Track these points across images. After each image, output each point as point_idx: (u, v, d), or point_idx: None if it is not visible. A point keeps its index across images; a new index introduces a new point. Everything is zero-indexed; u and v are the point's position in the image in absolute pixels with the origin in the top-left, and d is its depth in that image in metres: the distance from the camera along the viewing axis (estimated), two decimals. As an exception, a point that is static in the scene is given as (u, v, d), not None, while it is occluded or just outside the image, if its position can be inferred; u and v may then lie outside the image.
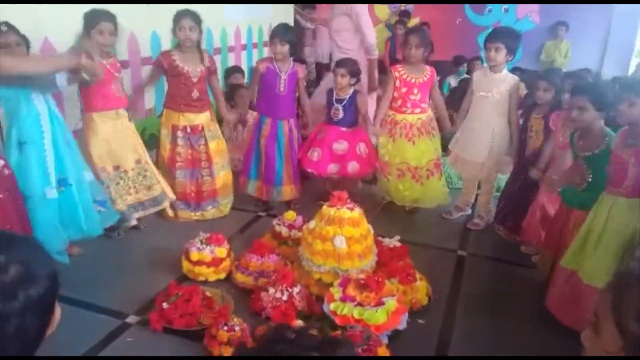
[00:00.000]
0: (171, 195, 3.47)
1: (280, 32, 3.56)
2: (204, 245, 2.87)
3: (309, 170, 3.81)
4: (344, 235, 2.68)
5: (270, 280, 2.65)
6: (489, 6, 7.69)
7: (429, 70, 3.74)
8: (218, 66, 4.03)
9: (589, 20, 7.19)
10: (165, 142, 3.51)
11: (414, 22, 7.79)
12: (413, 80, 3.69)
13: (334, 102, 3.74)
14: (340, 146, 3.76)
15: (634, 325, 0.89)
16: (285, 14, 6.77)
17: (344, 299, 2.45)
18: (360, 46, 4.45)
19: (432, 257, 3.29)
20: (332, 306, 2.44)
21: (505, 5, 7.62)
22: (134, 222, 3.36)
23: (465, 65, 7.04)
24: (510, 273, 3.18)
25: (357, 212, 2.77)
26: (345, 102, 3.73)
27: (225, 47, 5.51)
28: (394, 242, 3.06)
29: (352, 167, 3.77)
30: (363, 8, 4.43)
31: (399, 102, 3.75)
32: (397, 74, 3.74)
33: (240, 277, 2.83)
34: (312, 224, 2.81)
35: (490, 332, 2.58)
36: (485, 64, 6.95)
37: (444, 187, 3.92)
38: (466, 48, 7.60)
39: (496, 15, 7.70)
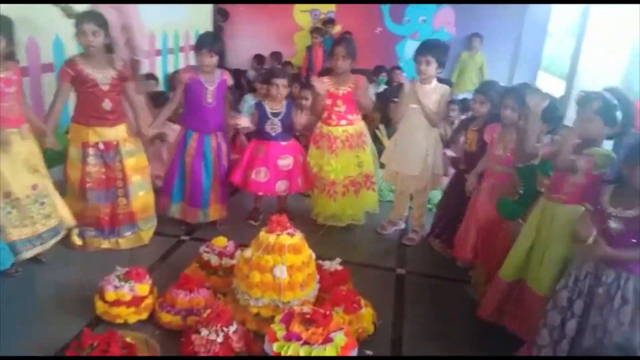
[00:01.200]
0: (68, 222, 3.04)
1: (208, 43, 3.28)
2: (122, 282, 2.50)
3: (260, 193, 3.57)
4: (284, 264, 2.45)
5: (202, 319, 2.33)
6: (407, 16, 7.78)
7: (354, 80, 3.60)
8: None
9: (501, 32, 7.48)
10: (74, 162, 3.06)
11: (336, 30, 7.71)
12: (337, 92, 3.56)
13: (269, 116, 3.49)
14: (286, 162, 3.54)
15: None
16: (202, 18, 6.43)
17: (288, 338, 2.20)
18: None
19: (371, 277, 3.13)
20: (275, 347, 2.17)
21: (423, 16, 7.75)
22: (29, 255, 2.89)
23: (385, 74, 7.08)
24: (451, 290, 3.10)
25: (298, 237, 2.54)
26: (281, 115, 3.50)
27: (111, 47, 5.05)
28: (335, 265, 2.86)
29: (300, 182, 3.60)
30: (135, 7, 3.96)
31: (325, 114, 3.63)
32: (314, 83, 3.59)
33: (165, 317, 2.49)
34: (247, 252, 2.54)
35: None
36: (405, 74, 7.22)
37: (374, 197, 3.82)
38: (385, 57, 7.66)
39: (414, 25, 7.81)
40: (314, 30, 7.21)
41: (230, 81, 3.46)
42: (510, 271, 2.48)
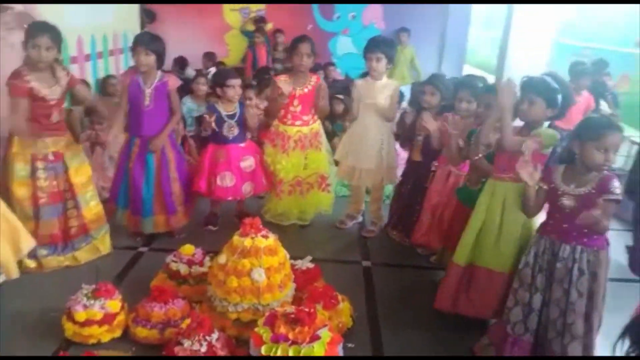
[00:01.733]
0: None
1: (144, 41, 3.16)
2: (92, 300, 2.38)
3: (229, 198, 3.51)
4: (262, 267, 2.43)
5: (182, 330, 2.28)
6: (338, 12, 7.90)
7: (314, 80, 3.63)
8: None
9: (427, 27, 7.76)
10: (21, 179, 2.88)
11: (267, 28, 7.68)
12: (294, 92, 3.56)
13: (225, 118, 3.43)
14: (247, 163, 3.51)
15: None
16: (130, 20, 6.17)
17: (275, 339, 2.20)
18: None
19: (339, 272, 3.18)
20: (263, 349, 2.17)
21: (353, 12, 7.89)
22: None
23: (322, 71, 7.14)
24: (417, 277, 3.22)
25: (272, 239, 2.54)
26: (236, 116, 3.46)
27: (67, 58, 4.78)
28: (306, 263, 2.88)
29: (264, 182, 3.59)
30: None
31: (282, 113, 3.63)
32: (278, 83, 3.58)
33: (141, 332, 2.41)
34: (222, 258, 2.50)
35: (419, 342, 2.58)
36: (339, 69, 7.32)
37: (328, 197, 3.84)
38: (319, 54, 7.71)
39: (344, 22, 7.94)
40: (257, 30, 7.17)
41: (174, 83, 3.34)
42: (463, 255, 2.55)
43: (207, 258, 2.86)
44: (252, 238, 2.47)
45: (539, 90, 2.31)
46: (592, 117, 2.22)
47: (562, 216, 2.15)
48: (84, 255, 3.11)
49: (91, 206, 3.14)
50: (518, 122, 2.48)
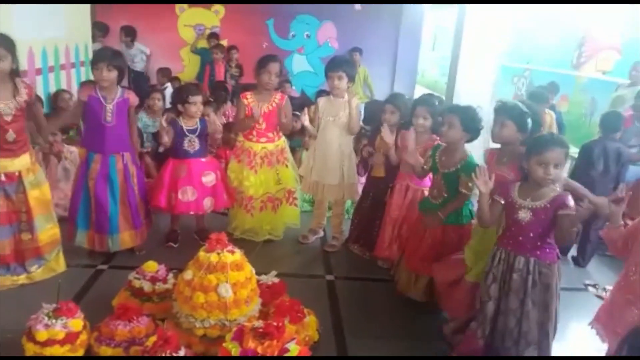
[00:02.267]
0: None
1: (107, 57, 3.11)
2: (53, 320, 2.31)
3: (191, 213, 3.47)
4: (229, 282, 2.44)
5: (148, 347, 2.25)
6: (293, 31, 8.03)
7: (278, 97, 3.69)
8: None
9: (380, 47, 8.01)
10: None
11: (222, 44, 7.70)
12: (259, 109, 3.60)
13: (187, 133, 3.42)
14: (209, 178, 3.50)
15: None
16: (82, 33, 6.04)
17: (244, 354, 2.21)
18: None
19: (303, 286, 3.22)
20: (232, 364, 2.18)
21: (307, 31, 8.05)
22: None
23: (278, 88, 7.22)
24: (379, 290, 3.30)
25: (239, 254, 2.55)
26: (197, 131, 3.46)
27: (17, 71, 4.63)
28: (271, 278, 2.91)
29: (225, 197, 3.58)
30: None
31: (248, 130, 3.67)
32: (245, 102, 3.64)
33: (105, 351, 2.36)
34: (188, 274, 2.49)
35: (385, 352, 2.65)
36: (294, 87, 7.42)
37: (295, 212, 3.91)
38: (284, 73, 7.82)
39: (299, 40, 8.08)
40: (216, 47, 7.16)
41: (134, 100, 3.31)
42: (473, 271, 2.63)
43: (171, 275, 2.84)
44: (219, 253, 2.48)
45: (510, 114, 2.47)
46: (539, 135, 2.38)
47: (517, 229, 2.29)
48: (39, 274, 3.02)
49: (47, 229, 3.05)
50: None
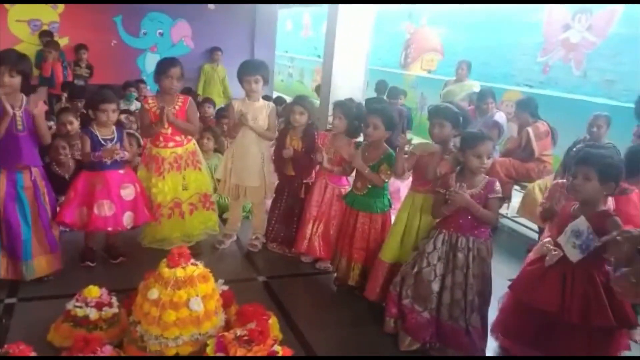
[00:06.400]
0: None
1: (10, 61, 2.73)
2: (7, 369, 2.01)
3: (109, 229, 3.11)
4: (199, 295, 2.38)
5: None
6: (144, 29, 7.62)
7: (181, 100, 3.56)
8: None
9: (236, 47, 8.04)
10: None
11: (64, 42, 6.97)
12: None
13: (103, 143, 3.13)
14: (127, 191, 3.23)
15: None
16: None
17: (238, 363, 2.20)
18: None
19: (241, 290, 3.18)
20: (226, 376, 2.15)
21: (160, 30, 7.70)
22: None
23: (135, 89, 6.81)
24: (314, 283, 3.45)
25: (202, 265, 2.49)
26: (114, 141, 3.19)
27: None
28: (220, 287, 2.86)
29: (147, 211, 3.35)
30: None
31: (154, 136, 3.52)
32: (147, 106, 3.48)
33: (73, 391, 2.12)
34: (153, 293, 2.34)
35: (342, 336, 2.84)
36: (149, 87, 7.06)
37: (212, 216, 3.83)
38: (128, 71, 7.35)
39: (152, 38, 7.70)
40: (49, 44, 6.40)
41: (39, 108, 2.93)
42: (389, 253, 2.94)
43: (114, 298, 2.62)
44: (184, 267, 2.40)
45: (445, 115, 2.78)
46: (470, 131, 2.75)
47: (457, 213, 2.64)
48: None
49: None
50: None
